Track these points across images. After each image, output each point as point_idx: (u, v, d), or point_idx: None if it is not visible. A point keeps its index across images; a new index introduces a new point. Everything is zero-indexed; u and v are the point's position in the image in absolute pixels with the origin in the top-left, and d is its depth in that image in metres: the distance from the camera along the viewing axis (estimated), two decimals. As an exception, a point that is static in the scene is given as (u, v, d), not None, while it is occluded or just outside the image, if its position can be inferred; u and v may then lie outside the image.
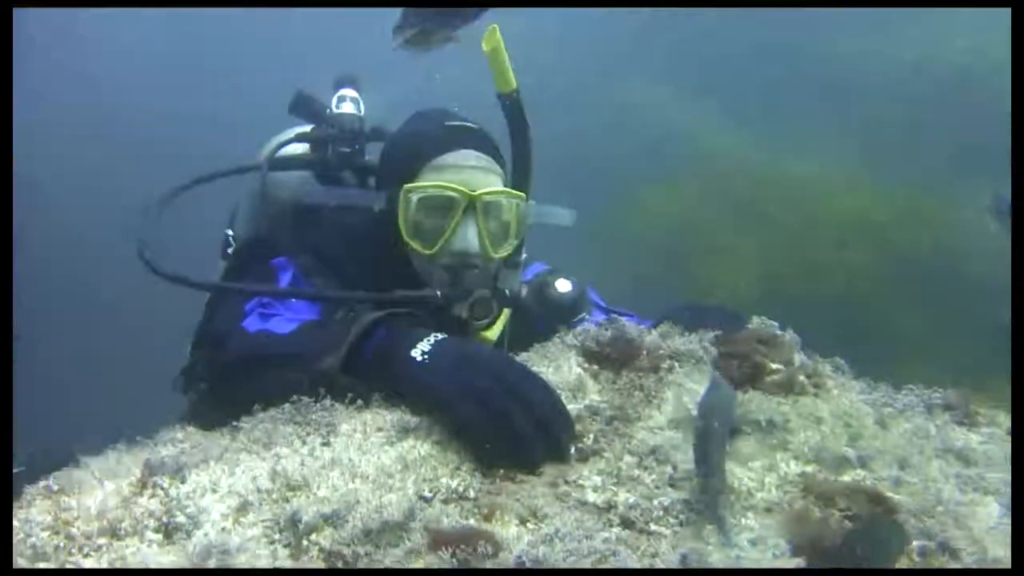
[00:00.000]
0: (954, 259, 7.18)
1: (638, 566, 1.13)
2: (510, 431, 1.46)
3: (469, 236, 2.12)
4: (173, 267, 2.07)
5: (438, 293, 2.08)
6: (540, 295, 2.39)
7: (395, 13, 2.11)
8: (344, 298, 2.08)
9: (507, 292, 2.23)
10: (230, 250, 2.73)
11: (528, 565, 1.10)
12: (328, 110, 2.67)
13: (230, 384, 1.93)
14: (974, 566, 1.19)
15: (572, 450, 1.50)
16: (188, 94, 12.64)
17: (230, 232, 2.81)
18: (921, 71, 8.89)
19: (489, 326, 2.21)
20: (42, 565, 1.16)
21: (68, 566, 1.16)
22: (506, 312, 2.27)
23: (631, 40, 10.31)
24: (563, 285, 2.42)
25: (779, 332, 1.93)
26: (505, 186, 2.25)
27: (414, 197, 2.14)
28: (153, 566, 1.15)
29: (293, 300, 2.11)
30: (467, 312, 2.11)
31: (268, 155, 2.53)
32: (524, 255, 2.41)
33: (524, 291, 2.36)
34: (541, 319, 2.35)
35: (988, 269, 6.70)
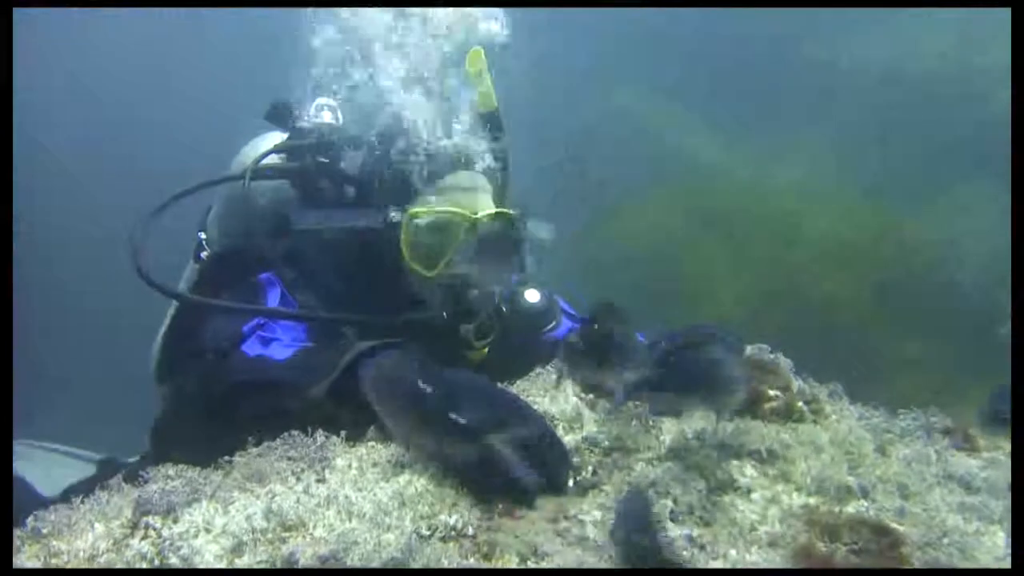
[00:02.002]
0: (933, 271, 7.18)
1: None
2: (499, 467, 1.44)
3: (470, 258, 2.15)
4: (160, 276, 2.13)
5: (444, 315, 2.09)
6: (511, 306, 2.41)
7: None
8: (352, 320, 2.10)
9: (504, 309, 2.26)
10: (203, 254, 2.70)
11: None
12: (306, 119, 2.65)
13: (228, 407, 1.92)
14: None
15: (571, 483, 1.48)
16: (181, 99, 12.55)
17: (203, 235, 2.78)
18: (900, 78, 8.91)
19: (488, 344, 2.23)
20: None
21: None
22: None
23: (610, 48, 10.31)
24: (532, 295, 2.45)
25: (773, 357, 1.91)
26: (495, 204, 2.27)
27: (420, 222, 2.15)
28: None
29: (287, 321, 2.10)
30: (473, 333, 2.13)
31: (250, 165, 2.48)
32: None
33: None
34: (512, 329, 2.37)
35: (968, 279, 6.70)
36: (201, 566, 1.22)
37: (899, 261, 7.36)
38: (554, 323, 2.50)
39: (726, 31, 9.55)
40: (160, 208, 2.40)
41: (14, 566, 1.21)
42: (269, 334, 2.05)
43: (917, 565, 1.21)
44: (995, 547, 1.30)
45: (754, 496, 1.41)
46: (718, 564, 1.21)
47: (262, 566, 1.22)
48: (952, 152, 7.74)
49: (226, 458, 1.57)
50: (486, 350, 2.26)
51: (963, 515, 1.40)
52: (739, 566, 1.21)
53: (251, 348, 2.01)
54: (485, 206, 2.20)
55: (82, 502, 1.44)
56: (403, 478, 1.44)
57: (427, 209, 2.17)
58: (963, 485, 1.53)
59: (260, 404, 1.82)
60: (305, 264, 2.30)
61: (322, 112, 2.64)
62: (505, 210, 2.25)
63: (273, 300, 2.22)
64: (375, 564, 1.16)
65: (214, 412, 1.98)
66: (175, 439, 2.01)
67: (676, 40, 9.67)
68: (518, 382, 1.83)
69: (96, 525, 1.33)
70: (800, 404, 1.75)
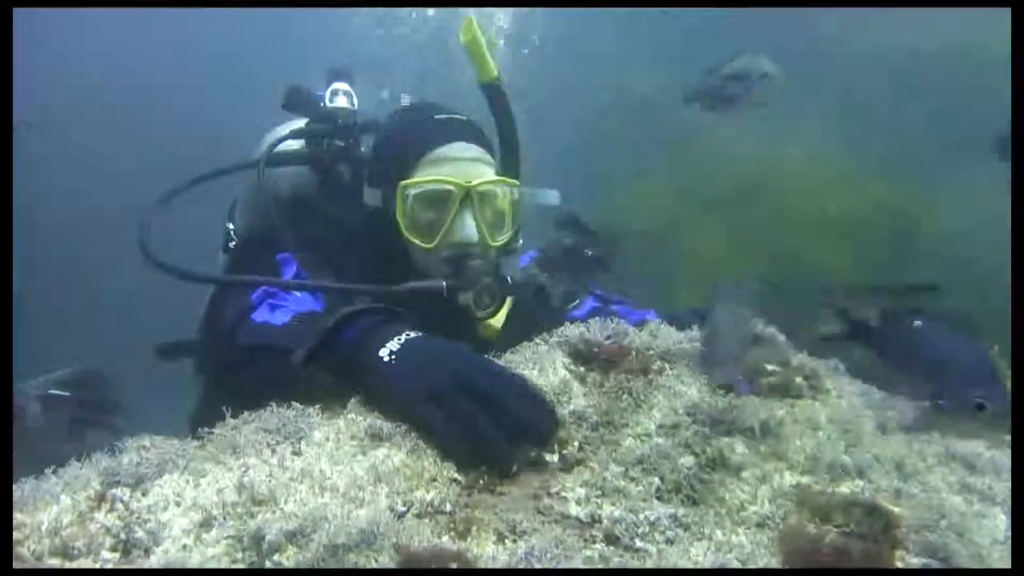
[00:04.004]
0: (939, 249, 7.04)
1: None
2: (475, 436, 1.39)
3: (467, 227, 2.14)
4: (176, 262, 2.10)
5: (443, 284, 2.08)
6: (532, 281, 2.42)
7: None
8: (352, 290, 2.09)
9: (509, 279, 2.24)
10: (232, 244, 2.74)
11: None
12: (322, 104, 2.65)
13: (236, 373, 1.93)
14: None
15: (555, 458, 1.42)
16: (186, 90, 12.58)
17: (231, 226, 2.79)
18: (910, 58, 8.73)
19: (493, 314, 2.20)
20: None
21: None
22: (509, 300, 2.27)
23: (614, 27, 10.18)
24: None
25: (771, 331, 1.86)
26: (497, 174, 2.25)
27: (411, 193, 2.15)
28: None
29: (298, 293, 2.12)
30: (472, 301, 2.11)
31: (265, 151, 2.53)
32: (520, 241, 2.42)
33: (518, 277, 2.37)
34: (535, 306, 2.39)
35: (964, 254, 6.57)
36: (167, 540, 1.18)
37: (904, 238, 7.24)
38: (577, 302, 2.50)
39: (736, 12, 9.39)
40: (173, 192, 2.42)
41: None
42: (279, 302, 2.06)
43: (911, 548, 1.15)
44: (995, 530, 1.25)
45: (744, 474, 1.35)
46: (702, 545, 1.16)
47: (230, 541, 1.18)
48: (963, 133, 7.60)
49: (205, 429, 1.52)
50: (497, 322, 2.24)
51: (964, 496, 1.35)
52: (724, 547, 1.15)
53: (259, 316, 2.01)
54: (480, 175, 2.18)
55: (53, 472, 1.40)
56: (381, 452, 1.39)
57: (418, 180, 2.16)
58: (966, 465, 1.47)
59: (260, 369, 1.82)
60: (317, 243, 2.31)
61: (337, 97, 2.65)
62: (501, 179, 2.23)
63: (288, 276, 2.22)
64: (342, 541, 1.12)
65: (228, 381, 1.99)
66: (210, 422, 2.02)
67: (684, 18, 9.52)
68: (507, 355, 1.78)
69: (62, 497, 1.28)
70: (799, 380, 1.69)
